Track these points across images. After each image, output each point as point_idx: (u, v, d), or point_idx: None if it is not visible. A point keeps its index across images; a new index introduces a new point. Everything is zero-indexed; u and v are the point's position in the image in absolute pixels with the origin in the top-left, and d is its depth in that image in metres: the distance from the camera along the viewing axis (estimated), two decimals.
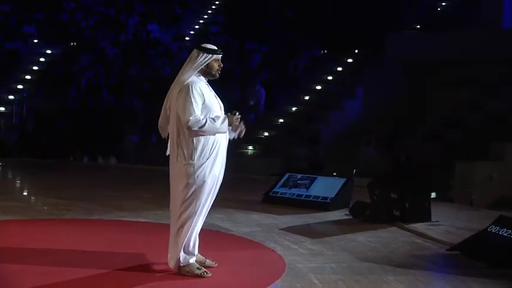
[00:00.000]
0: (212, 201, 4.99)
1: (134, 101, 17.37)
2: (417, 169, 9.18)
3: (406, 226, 7.30)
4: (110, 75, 18.99)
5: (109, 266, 5.14)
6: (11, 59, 19.41)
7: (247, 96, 17.13)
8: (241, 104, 16.48)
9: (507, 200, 10.67)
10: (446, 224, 7.56)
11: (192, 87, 4.76)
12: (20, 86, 19.03)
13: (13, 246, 5.80)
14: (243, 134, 5.07)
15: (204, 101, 4.79)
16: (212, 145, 4.82)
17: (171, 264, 4.92)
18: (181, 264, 4.87)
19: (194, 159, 4.78)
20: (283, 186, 9.20)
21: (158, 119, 5.05)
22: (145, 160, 14.79)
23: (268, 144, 15.66)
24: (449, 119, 15.55)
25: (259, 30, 21.03)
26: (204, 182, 4.78)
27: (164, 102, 4.97)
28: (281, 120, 16.99)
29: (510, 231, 5.85)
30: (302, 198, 8.81)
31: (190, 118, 4.69)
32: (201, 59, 4.88)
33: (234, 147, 12.43)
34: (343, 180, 8.93)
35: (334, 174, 10.34)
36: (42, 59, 20.07)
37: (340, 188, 8.74)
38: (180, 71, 4.94)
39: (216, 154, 4.85)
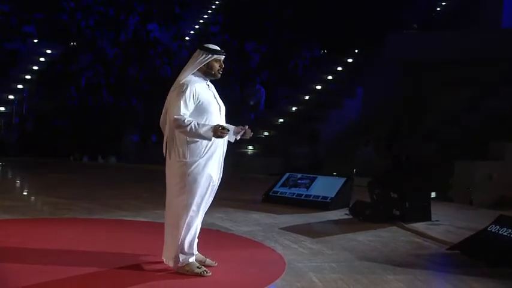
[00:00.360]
0: (209, 202, 4.98)
1: (134, 100, 17.37)
2: (417, 169, 9.19)
3: (406, 225, 7.31)
4: (109, 74, 18.99)
5: (109, 265, 5.14)
6: (10, 58, 19.42)
7: (247, 96, 17.13)
8: (241, 103, 16.50)
9: (507, 199, 10.66)
10: (446, 224, 7.57)
11: (185, 86, 4.76)
12: (19, 86, 19.03)
13: (13, 245, 5.80)
14: (249, 136, 5.03)
15: (199, 101, 4.78)
16: (206, 144, 4.80)
17: (170, 264, 4.93)
18: (181, 264, 4.88)
19: (187, 158, 4.78)
20: (283, 185, 9.22)
21: (158, 118, 5.06)
22: (145, 160, 14.81)
23: (268, 144, 15.67)
24: (449, 119, 15.55)
25: (259, 30, 21.03)
26: (196, 180, 4.76)
27: (165, 102, 4.98)
28: (281, 120, 17.00)
29: (510, 230, 5.86)
30: (302, 197, 8.83)
31: (175, 117, 4.70)
32: (201, 58, 4.89)
33: (234, 147, 12.47)
34: (343, 180, 8.94)
35: (334, 173, 10.35)
36: (42, 59, 20.07)
37: (340, 188, 8.76)
38: (182, 71, 4.95)
39: (211, 154, 4.83)
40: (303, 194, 8.88)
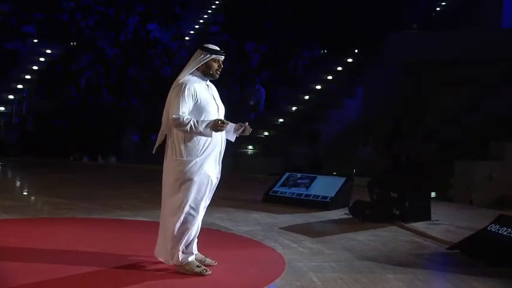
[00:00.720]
0: (207, 202, 4.97)
1: (134, 100, 17.37)
2: (417, 169, 9.18)
3: (406, 225, 7.31)
4: (109, 75, 18.99)
5: (109, 264, 5.14)
6: (10, 58, 19.41)
7: (247, 96, 17.12)
8: (241, 103, 16.50)
9: (507, 199, 10.67)
10: (446, 223, 7.57)
11: (184, 86, 4.77)
12: (19, 86, 19.03)
13: (13, 245, 5.81)
14: (246, 133, 5.03)
15: (197, 101, 4.78)
16: (204, 144, 4.81)
17: (163, 259, 4.95)
18: (180, 263, 4.87)
19: (184, 157, 4.78)
20: (283, 185, 9.22)
21: (158, 118, 5.09)
22: (145, 160, 14.80)
23: (268, 144, 15.67)
24: (449, 119, 15.55)
25: (259, 30, 21.03)
26: (193, 179, 4.76)
27: (166, 102, 4.99)
28: (281, 120, 17.00)
29: (510, 230, 5.86)
30: (302, 197, 8.83)
31: (174, 116, 4.71)
32: (200, 58, 4.90)
33: (234, 146, 12.49)
34: (343, 180, 8.94)
35: (334, 173, 10.35)
36: (42, 59, 20.06)
37: (340, 187, 8.76)
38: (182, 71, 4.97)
39: (209, 153, 4.83)
40: (302, 194, 8.88)
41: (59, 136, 16.37)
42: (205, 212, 5.03)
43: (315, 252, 5.95)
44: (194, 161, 4.78)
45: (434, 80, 16.52)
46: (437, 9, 21.29)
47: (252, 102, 16.89)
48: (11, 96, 18.56)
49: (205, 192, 4.87)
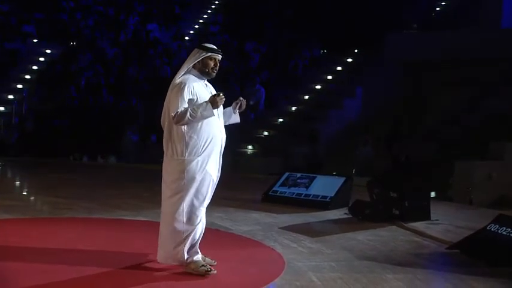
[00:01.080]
0: (208, 201, 4.97)
1: (134, 100, 17.37)
2: (417, 168, 9.19)
3: (405, 225, 7.31)
4: (109, 74, 18.99)
5: (109, 264, 5.14)
6: (10, 58, 19.42)
7: (247, 95, 17.10)
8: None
9: (506, 199, 10.67)
10: (446, 223, 7.57)
11: (183, 85, 4.78)
12: (19, 86, 19.03)
13: (13, 245, 5.80)
14: (244, 106, 5.06)
15: (196, 99, 4.80)
16: (205, 142, 4.82)
17: (162, 260, 4.94)
18: (186, 262, 4.86)
19: (185, 156, 4.79)
20: (282, 185, 9.22)
21: (158, 118, 5.08)
22: (144, 159, 14.81)
23: (267, 144, 15.67)
24: (449, 119, 15.55)
25: (259, 29, 21.03)
26: (195, 178, 4.78)
27: (165, 101, 4.99)
28: (281, 120, 17.00)
29: (509, 229, 5.86)
30: (301, 197, 8.83)
31: (172, 114, 4.75)
32: (196, 56, 4.91)
33: (233, 146, 12.48)
34: (342, 179, 8.94)
35: (334, 173, 10.35)
36: (41, 59, 20.07)
37: (340, 187, 8.76)
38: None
39: (210, 151, 4.84)
40: (302, 194, 8.88)
41: (58, 136, 16.37)
42: (205, 211, 5.03)
43: (315, 252, 5.95)
44: (196, 160, 4.79)
45: (434, 80, 16.52)
46: (437, 9, 21.29)
47: (251, 102, 16.87)
48: (10, 96, 18.57)
49: (208, 191, 4.87)
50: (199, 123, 4.79)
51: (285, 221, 7.52)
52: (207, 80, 5.07)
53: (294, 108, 17.49)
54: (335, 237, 6.72)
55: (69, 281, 4.72)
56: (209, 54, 4.92)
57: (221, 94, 4.80)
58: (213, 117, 4.83)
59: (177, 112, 4.72)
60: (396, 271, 5.32)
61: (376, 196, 7.88)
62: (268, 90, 17.34)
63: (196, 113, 4.70)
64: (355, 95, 17.43)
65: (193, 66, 4.93)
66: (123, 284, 4.71)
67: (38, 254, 5.43)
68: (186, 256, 4.86)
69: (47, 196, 9.17)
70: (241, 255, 5.78)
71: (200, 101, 4.81)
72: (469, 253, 5.94)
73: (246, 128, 14.56)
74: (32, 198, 9.86)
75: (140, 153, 15.61)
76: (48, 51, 20.28)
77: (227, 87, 14.93)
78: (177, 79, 4.89)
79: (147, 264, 5.10)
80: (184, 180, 4.78)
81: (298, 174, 9.32)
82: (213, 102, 4.74)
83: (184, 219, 4.81)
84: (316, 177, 9.16)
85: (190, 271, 4.86)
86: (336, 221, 7.76)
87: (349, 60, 19.30)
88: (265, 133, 16.42)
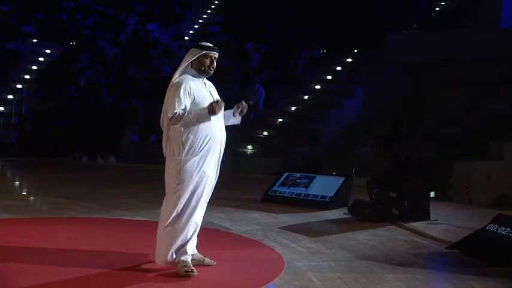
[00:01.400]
0: (205, 201, 4.95)
1: (133, 100, 17.37)
2: (416, 168, 9.19)
3: (405, 225, 7.31)
4: (109, 74, 18.99)
5: (108, 264, 5.14)
6: (10, 58, 19.41)
7: (247, 95, 17.09)
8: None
9: (506, 199, 10.68)
10: (445, 223, 7.56)
11: (179, 84, 4.79)
12: (19, 86, 19.02)
13: (12, 245, 5.81)
14: (245, 111, 5.05)
15: (193, 98, 4.79)
16: (202, 142, 4.80)
17: (160, 261, 4.91)
18: (173, 261, 4.84)
19: (182, 156, 4.78)
20: (282, 185, 9.21)
21: (158, 118, 5.07)
22: (144, 159, 14.81)
23: (267, 144, 15.67)
24: (449, 119, 15.55)
25: (258, 29, 21.02)
26: (192, 178, 4.77)
27: (164, 101, 4.99)
28: (280, 120, 17.00)
29: (508, 229, 5.86)
30: (301, 197, 8.83)
31: (170, 115, 4.75)
32: (192, 55, 4.92)
33: (233, 146, 12.48)
34: (342, 179, 8.94)
35: (334, 173, 10.35)
36: (41, 59, 20.06)
37: (339, 187, 8.75)
38: None
39: (207, 151, 4.82)
40: (302, 194, 8.88)
41: (58, 136, 16.37)
42: (205, 211, 5.02)
43: (314, 252, 5.95)
44: (192, 160, 4.78)
45: (434, 80, 16.52)
46: (437, 9, 21.29)
47: (251, 102, 16.84)
48: (10, 96, 18.56)
49: (203, 192, 4.86)
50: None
51: (285, 221, 7.52)
52: (209, 79, 5.07)
53: (293, 108, 17.49)
54: (334, 237, 6.72)
55: (69, 281, 4.72)
56: (204, 52, 4.91)
57: (220, 101, 4.77)
58: (211, 118, 4.81)
59: (175, 114, 4.72)
60: (396, 271, 5.32)
61: (376, 196, 7.88)
62: (268, 90, 17.34)
63: (193, 117, 4.71)
64: (355, 95, 17.43)
65: (191, 66, 4.93)
66: (122, 284, 4.70)
67: (37, 254, 5.43)
68: (175, 256, 4.83)
69: (47, 196, 9.17)
70: (240, 255, 5.77)
71: (198, 99, 4.81)
72: (468, 253, 5.94)
73: (246, 128, 14.55)
74: (32, 198, 9.87)
75: (140, 153, 15.61)
76: (47, 51, 20.28)
77: (227, 87, 14.95)
78: (174, 79, 4.89)
79: (146, 265, 5.10)
80: (181, 180, 4.77)
81: (298, 174, 9.31)
82: (211, 109, 4.72)
83: (179, 220, 4.79)
84: (315, 177, 9.15)
85: (177, 271, 4.83)
86: (335, 221, 7.76)
87: (349, 60, 19.30)
88: (265, 133, 16.42)
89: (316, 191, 8.81)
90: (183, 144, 4.79)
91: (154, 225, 5.05)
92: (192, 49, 4.97)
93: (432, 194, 9.92)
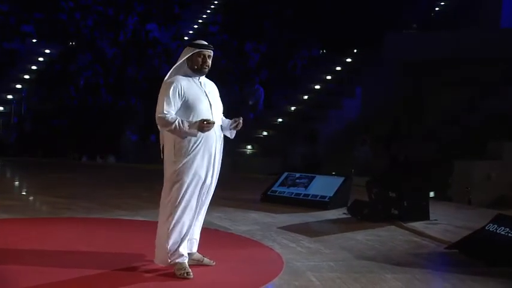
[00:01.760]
0: (202, 204, 4.92)
1: (133, 100, 17.37)
2: (416, 168, 9.19)
3: (404, 225, 7.31)
4: (108, 74, 18.98)
5: (107, 264, 5.13)
6: (9, 58, 19.40)
7: (246, 95, 17.12)
8: (240, 103, 16.49)
9: (505, 199, 10.68)
10: (445, 223, 7.56)
11: (169, 84, 4.76)
12: (18, 86, 19.00)
13: (11, 244, 5.80)
14: (239, 127, 4.97)
15: (185, 99, 4.75)
16: (193, 144, 4.74)
17: (158, 262, 4.91)
18: (169, 263, 4.84)
19: (173, 156, 4.76)
20: (281, 185, 9.21)
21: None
22: (144, 159, 14.80)
23: (267, 144, 15.67)
24: (448, 119, 15.55)
25: (258, 29, 21.02)
26: (181, 180, 4.72)
27: None
28: (280, 120, 16.99)
29: (508, 229, 5.85)
30: (300, 197, 8.83)
31: (159, 116, 4.72)
32: (185, 54, 4.88)
33: (233, 146, 12.48)
34: (341, 179, 8.93)
35: (333, 173, 10.35)
36: (40, 59, 20.05)
37: (339, 187, 8.75)
38: None
39: (198, 152, 4.76)
40: (301, 194, 8.87)
41: (58, 136, 16.37)
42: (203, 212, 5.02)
43: (313, 252, 5.95)
44: (183, 161, 4.73)
45: (434, 80, 16.52)
46: (437, 9, 21.29)
47: (251, 102, 16.89)
48: (9, 96, 18.54)
49: (195, 193, 4.79)
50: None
51: (284, 221, 7.51)
52: (211, 79, 5.05)
53: (293, 108, 17.49)
54: (334, 237, 6.72)
55: (68, 281, 4.71)
56: (197, 50, 4.86)
57: (210, 122, 4.69)
58: (205, 116, 4.75)
59: (163, 117, 4.69)
60: (395, 271, 5.32)
61: (375, 196, 7.88)
62: (267, 90, 17.34)
63: (182, 128, 4.65)
64: (355, 95, 17.43)
65: (186, 65, 4.89)
66: (122, 284, 4.70)
67: (36, 254, 5.42)
68: (170, 259, 4.81)
69: (46, 196, 9.17)
70: (240, 255, 5.77)
71: (191, 100, 4.76)
72: (467, 253, 5.94)
73: (245, 127, 14.53)
74: (31, 198, 9.87)
75: (139, 153, 15.60)
76: (47, 51, 20.26)
77: (226, 87, 14.95)
78: (167, 78, 4.86)
79: (146, 265, 5.09)
80: (172, 181, 4.75)
81: (297, 174, 9.31)
82: (199, 127, 4.66)
83: (171, 221, 4.76)
84: (315, 177, 9.15)
85: (175, 272, 4.82)
86: (334, 221, 7.76)
87: (349, 60, 19.29)
88: (265, 133, 16.41)
89: (315, 191, 8.81)
90: (175, 145, 4.76)
91: (154, 225, 5.05)
92: (186, 48, 4.92)
93: (432, 194, 9.92)
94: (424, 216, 7.65)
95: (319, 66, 19.13)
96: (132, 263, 5.16)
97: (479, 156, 11.77)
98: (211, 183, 4.91)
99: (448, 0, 21.00)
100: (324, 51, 20.13)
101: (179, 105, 4.75)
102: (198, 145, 4.77)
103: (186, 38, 22.09)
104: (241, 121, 4.96)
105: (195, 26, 23.72)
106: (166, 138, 4.82)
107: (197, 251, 5.09)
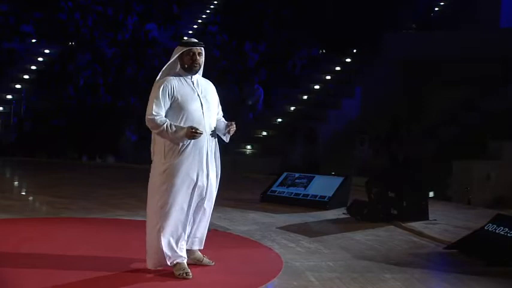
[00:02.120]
0: (200, 206, 4.89)
1: (132, 100, 17.36)
2: (415, 168, 9.19)
3: (403, 225, 7.31)
4: (107, 74, 18.98)
5: (107, 264, 5.14)
6: (8, 58, 19.39)
7: (246, 95, 17.11)
8: (240, 103, 16.49)
9: (505, 199, 10.68)
10: (444, 223, 7.56)
11: (159, 85, 4.72)
12: (18, 86, 18.99)
13: (10, 245, 5.80)
14: (232, 132, 4.95)
15: (175, 99, 4.72)
16: (182, 145, 4.69)
17: (149, 266, 4.87)
18: (169, 265, 4.83)
19: (163, 158, 4.73)
20: (281, 185, 9.20)
21: None
22: (143, 159, 14.76)
23: (266, 144, 15.66)
24: (448, 118, 15.55)
25: (257, 29, 21.02)
26: (172, 181, 4.68)
27: None
28: (279, 120, 16.99)
29: (507, 229, 5.86)
30: (300, 197, 8.82)
31: (148, 117, 4.70)
32: (175, 53, 4.86)
33: (233, 146, 12.48)
34: (340, 179, 8.92)
35: (333, 173, 10.35)
36: (40, 59, 20.04)
37: (338, 187, 8.74)
38: None
39: (188, 154, 4.71)
40: (300, 194, 8.86)
41: (57, 136, 16.35)
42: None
43: (313, 252, 5.95)
44: (173, 163, 4.69)
45: (433, 79, 16.52)
46: (436, 9, 21.30)
47: (250, 102, 16.88)
48: (9, 96, 18.53)
49: (188, 195, 4.75)
50: (179, 123, 4.70)
51: (283, 221, 7.51)
52: (208, 78, 5.03)
53: (292, 108, 17.48)
54: (333, 237, 6.72)
55: (67, 281, 4.70)
56: (186, 49, 4.82)
57: (198, 131, 4.64)
58: (195, 118, 4.73)
59: (152, 119, 4.66)
60: (394, 271, 5.32)
61: (374, 196, 7.87)
62: (266, 89, 17.33)
63: (169, 133, 4.63)
64: (354, 95, 17.42)
65: (179, 64, 4.86)
66: (121, 284, 4.70)
67: (35, 254, 5.42)
68: (168, 260, 4.79)
69: (46, 196, 9.15)
70: (239, 255, 5.77)
71: (182, 100, 4.72)
72: (467, 253, 5.94)
73: (245, 127, 14.53)
74: (30, 197, 9.86)
75: (139, 153, 15.58)
76: (46, 51, 20.25)
77: (226, 87, 14.95)
78: (158, 78, 4.83)
79: (145, 265, 5.08)
80: (161, 183, 4.71)
81: (297, 174, 9.31)
82: (187, 134, 4.62)
83: (163, 223, 4.71)
84: (314, 177, 9.14)
85: (174, 273, 4.80)
86: (334, 221, 7.76)
87: (348, 60, 19.29)
88: (264, 133, 16.40)
89: (315, 191, 8.80)
90: (165, 146, 4.72)
91: None
92: (177, 47, 4.89)
93: (431, 193, 9.92)
94: (424, 216, 7.65)
95: (319, 66, 19.13)
96: (131, 263, 5.16)
97: (478, 156, 11.76)
98: (206, 184, 4.84)
99: (447, 0, 21.01)
100: (324, 51, 20.13)
101: (168, 105, 4.72)
102: (187, 147, 4.71)
103: (185, 38, 22.10)
104: (234, 126, 4.93)
105: (195, 26, 23.72)
106: (156, 139, 4.80)
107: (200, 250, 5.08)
